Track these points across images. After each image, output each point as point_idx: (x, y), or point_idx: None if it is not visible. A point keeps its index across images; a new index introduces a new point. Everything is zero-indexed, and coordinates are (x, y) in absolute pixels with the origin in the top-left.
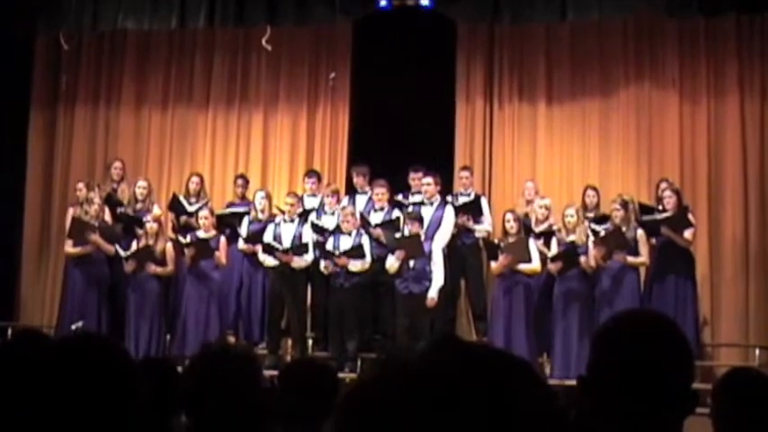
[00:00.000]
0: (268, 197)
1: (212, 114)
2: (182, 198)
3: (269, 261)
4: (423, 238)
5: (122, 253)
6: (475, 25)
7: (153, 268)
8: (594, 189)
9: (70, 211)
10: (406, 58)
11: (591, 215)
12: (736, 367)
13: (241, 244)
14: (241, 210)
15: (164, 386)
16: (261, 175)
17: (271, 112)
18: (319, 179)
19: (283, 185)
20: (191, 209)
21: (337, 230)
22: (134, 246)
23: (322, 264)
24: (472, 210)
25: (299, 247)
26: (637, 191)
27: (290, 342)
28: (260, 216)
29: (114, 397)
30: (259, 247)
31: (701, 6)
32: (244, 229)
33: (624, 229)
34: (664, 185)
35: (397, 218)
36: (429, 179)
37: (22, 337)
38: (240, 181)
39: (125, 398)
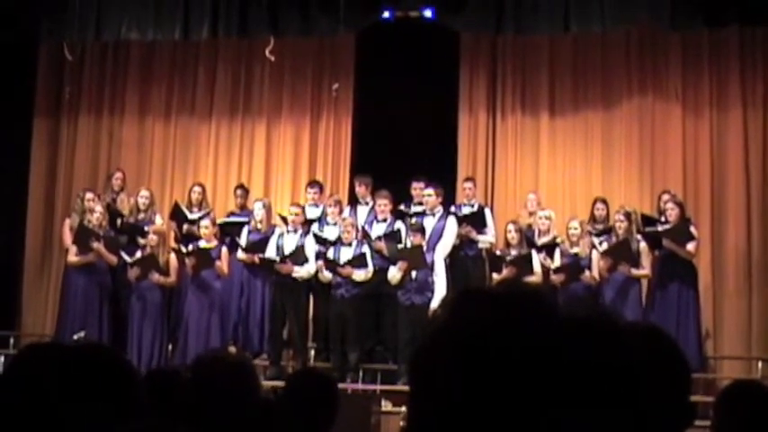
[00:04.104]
0: (266, 207)
1: (215, 125)
2: (183, 206)
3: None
4: (425, 248)
5: (128, 259)
6: (478, 37)
7: (156, 277)
8: (604, 201)
9: (67, 222)
10: (409, 70)
11: (600, 227)
12: (739, 380)
13: (240, 254)
14: (242, 219)
15: (169, 396)
16: (264, 186)
17: (274, 123)
18: (321, 189)
19: (286, 196)
20: (192, 216)
21: (338, 241)
22: (138, 254)
23: (325, 273)
24: (476, 221)
25: (297, 255)
26: (639, 203)
27: (291, 353)
28: (258, 226)
29: (116, 406)
30: (257, 257)
31: (704, 18)
32: (243, 239)
33: (629, 240)
34: (666, 197)
35: (399, 229)
36: (430, 190)
37: (36, 348)
38: (240, 191)
39: (126, 407)
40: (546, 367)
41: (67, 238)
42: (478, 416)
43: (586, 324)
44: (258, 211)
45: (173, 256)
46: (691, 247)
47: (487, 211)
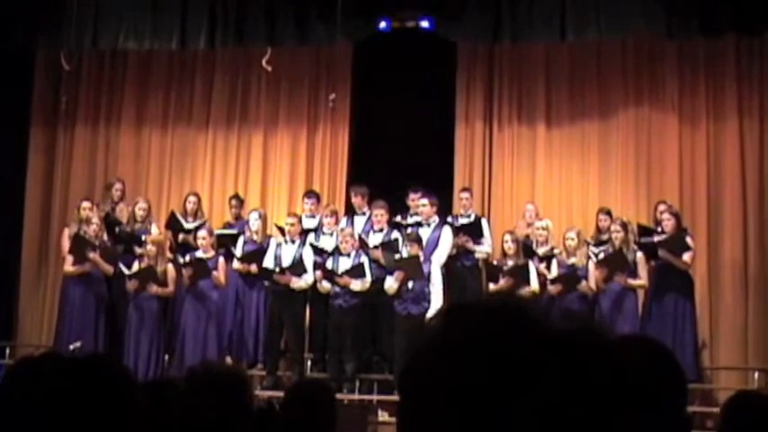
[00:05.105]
0: (262, 218)
1: (212, 134)
2: (179, 216)
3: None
4: (422, 259)
5: (126, 271)
6: (475, 47)
7: (155, 289)
8: (608, 213)
9: (66, 232)
10: (406, 80)
11: (604, 237)
12: (743, 391)
13: (236, 264)
14: (237, 231)
15: (165, 407)
16: (260, 196)
17: (270, 133)
18: (318, 200)
19: (283, 206)
20: (188, 226)
21: (336, 251)
22: (136, 265)
23: (324, 283)
24: (472, 231)
25: (296, 267)
26: (636, 213)
27: (287, 363)
28: (254, 237)
29: (115, 416)
30: (254, 267)
31: (701, 27)
32: (239, 249)
33: (624, 250)
34: (662, 208)
35: (396, 239)
36: (425, 200)
37: (33, 358)
38: (234, 201)
39: (126, 417)
40: (537, 378)
41: (67, 247)
42: (470, 427)
43: (577, 335)
44: (254, 222)
45: (171, 267)
46: (687, 257)
47: (484, 222)
